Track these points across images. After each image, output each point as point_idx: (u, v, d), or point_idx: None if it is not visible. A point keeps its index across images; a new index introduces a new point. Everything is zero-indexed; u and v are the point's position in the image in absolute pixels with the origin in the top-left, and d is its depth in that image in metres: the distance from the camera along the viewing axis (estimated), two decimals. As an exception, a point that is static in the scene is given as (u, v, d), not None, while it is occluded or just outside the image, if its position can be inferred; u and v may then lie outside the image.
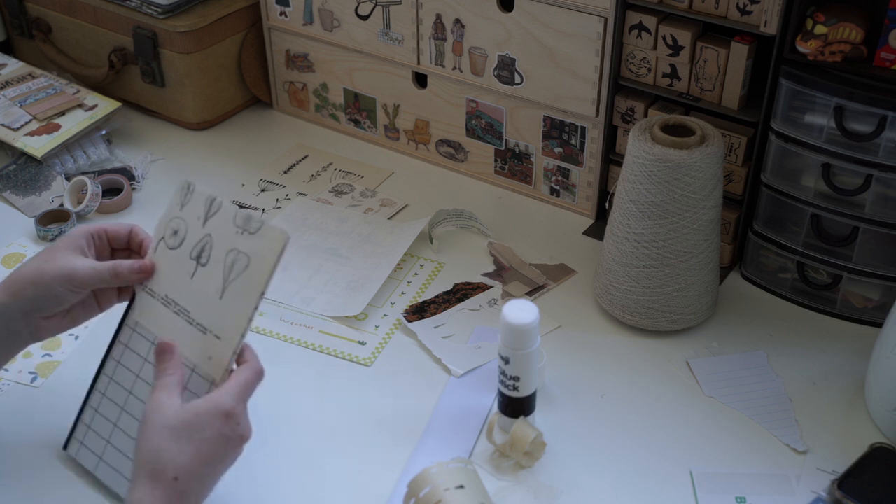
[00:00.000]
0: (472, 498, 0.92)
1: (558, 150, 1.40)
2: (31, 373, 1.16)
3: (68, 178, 1.47)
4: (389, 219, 1.42)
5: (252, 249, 0.93)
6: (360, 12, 1.47)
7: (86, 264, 0.98)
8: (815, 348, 1.20)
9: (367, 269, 1.30)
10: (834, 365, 1.18)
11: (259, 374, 0.93)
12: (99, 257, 1.02)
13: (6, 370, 1.15)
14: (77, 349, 1.19)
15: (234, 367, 0.94)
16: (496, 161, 1.48)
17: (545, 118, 1.39)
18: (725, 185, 1.26)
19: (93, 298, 1.03)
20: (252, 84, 1.65)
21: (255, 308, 0.92)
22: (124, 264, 0.99)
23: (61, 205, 1.42)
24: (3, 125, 1.53)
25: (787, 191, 1.21)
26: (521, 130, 1.42)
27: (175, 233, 0.99)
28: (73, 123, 1.52)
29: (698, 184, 1.13)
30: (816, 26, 1.11)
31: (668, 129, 1.16)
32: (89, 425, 1.02)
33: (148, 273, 0.99)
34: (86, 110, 1.55)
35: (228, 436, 0.88)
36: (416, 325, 1.23)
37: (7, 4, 1.72)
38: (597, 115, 1.34)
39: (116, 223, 1.04)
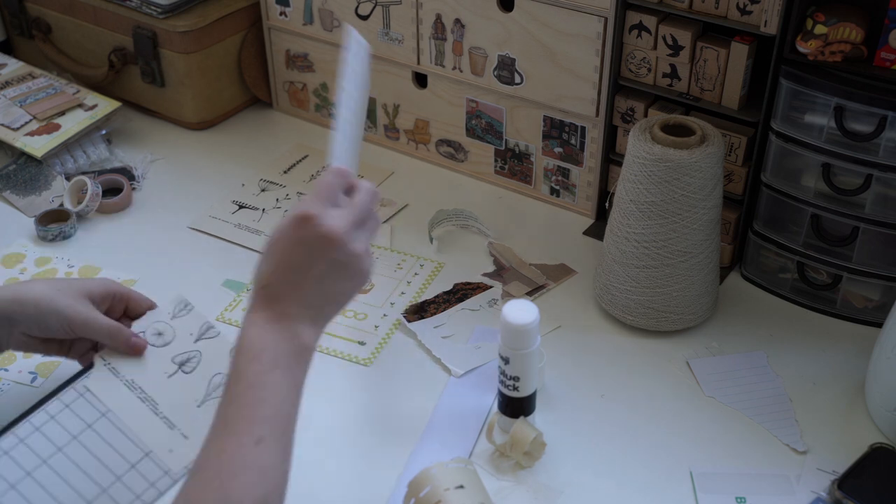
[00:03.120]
0: (472, 498, 0.92)
1: (558, 150, 1.40)
2: (31, 373, 1.16)
3: (68, 178, 1.47)
4: (389, 219, 1.42)
5: None
6: (360, 12, 1.48)
7: (89, 316, 1.00)
8: (815, 348, 1.20)
9: None
10: (834, 365, 1.18)
11: (340, 176, 0.87)
12: (108, 313, 1.04)
13: (6, 370, 1.15)
14: (77, 349, 1.19)
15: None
16: (496, 161, 1.48)
17: (545, 118, 1.39)
18: (725, 185, 1.26)
19: (68, 344, 1.04)
20: (252, 84, 1.65)
21: None
22: (126, 334, 1.02)
23: (61, 205, 1.42)
24: (3, 125, 1.53)
25: (787, 191, 1.21)
26: (521, 130, 1.42)
27: (160, 334, 1.04)
28: (73, 123, 1.52)
29: (698, 184, 1.13)
30: (816, 26, 1.11)
31: (668, 129, 1.16)
32: None
33: (139, 353, 1.02)
34: (86, 110, 1.55)
35: (305, 237, 0.84)
36: (416, 325, 1.23)
37: (7, 4, 1.72)
38: (597, 115, 1.34)
39: (142, 297, 1.06)
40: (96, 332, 1.01)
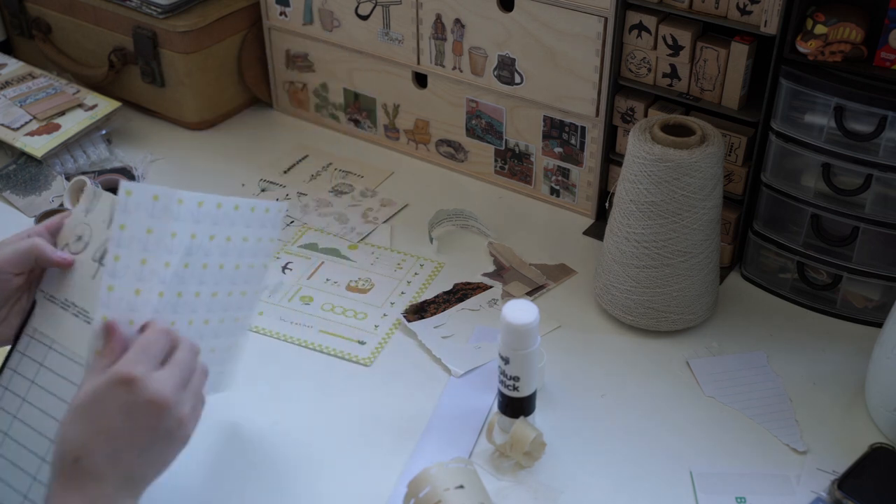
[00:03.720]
0: (472, 498, 0.92)
1: (558, 150, 1.40)
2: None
3: (68, 178, 1.47)
4: (389, 219, 1.42)
5: None
6: (360, 12, 1.48)
7: (7, 248, 0.94)
8: (815, 348, 1.20)
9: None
10: (834, 365, 1.18)
11: (162, 333, 0.85)
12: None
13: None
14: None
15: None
16: (496, 161, 1.48)
17: (545, 118, 1.39)
18: (725, 185, 1.26)
19: (13, 312, 0.98)
20: (252, 84, 1.65)
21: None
22: (47, 247, 0.95)
23: (61, 205, 1.42)
24: (3, 125, 1.53)
25: (787, 191, 1.21)
26: (521, 130, 1.42)
27: (79, 238, 0.97)
28: (73, 123, 1.52)
29: (698, 184, 1.13)
30: (816, 26, 1.11)
31: (668, 129, 1.16)
32: None
33: (67, 266, 0.94)
34: (86, 110, 1.55)
35: (134, 404, 0.79)
36: (416, 325, 1.23)
37: (7, 4, 1.72)
38: (597, 115, 1.34)
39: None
40: (19, 249, 0.93)
